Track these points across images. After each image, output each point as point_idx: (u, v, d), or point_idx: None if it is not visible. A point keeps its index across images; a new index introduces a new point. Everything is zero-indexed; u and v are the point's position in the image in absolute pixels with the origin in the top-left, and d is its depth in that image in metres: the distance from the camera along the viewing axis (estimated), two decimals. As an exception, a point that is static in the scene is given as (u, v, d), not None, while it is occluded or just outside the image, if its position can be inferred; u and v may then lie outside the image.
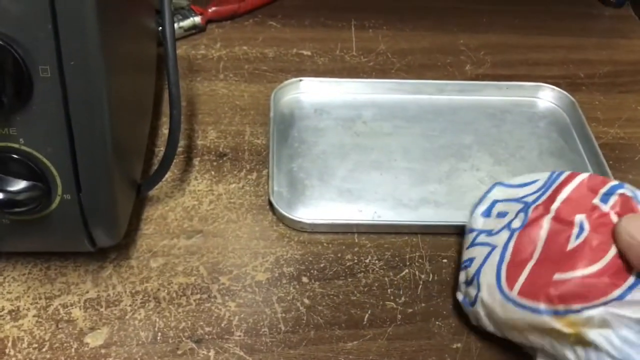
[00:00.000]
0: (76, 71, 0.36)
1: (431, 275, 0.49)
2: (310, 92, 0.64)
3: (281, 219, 0.52)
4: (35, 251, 0.47)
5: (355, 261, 0.50)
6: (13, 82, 0.35)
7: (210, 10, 0.70)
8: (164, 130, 0.58)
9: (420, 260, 0.50)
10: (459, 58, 0.70)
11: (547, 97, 0.65)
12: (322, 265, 0.49)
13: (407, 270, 0.49)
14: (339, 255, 0.50)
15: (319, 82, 0.64)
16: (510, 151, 0.59)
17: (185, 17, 0.68)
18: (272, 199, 0.52)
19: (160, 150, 0.57)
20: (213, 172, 0.55)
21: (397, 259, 0.50)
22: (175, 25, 0.67)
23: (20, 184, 0.38)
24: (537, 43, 0.73)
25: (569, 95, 0.64)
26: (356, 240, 0.51)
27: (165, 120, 0.59)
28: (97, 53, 0.36)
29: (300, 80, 0.63)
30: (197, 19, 0.69)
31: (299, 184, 0.55)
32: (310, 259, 0.50)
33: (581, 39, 0.75)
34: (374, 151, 0.58)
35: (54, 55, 0.35)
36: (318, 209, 0.53)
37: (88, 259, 0.48)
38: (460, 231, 0.50)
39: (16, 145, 0.38)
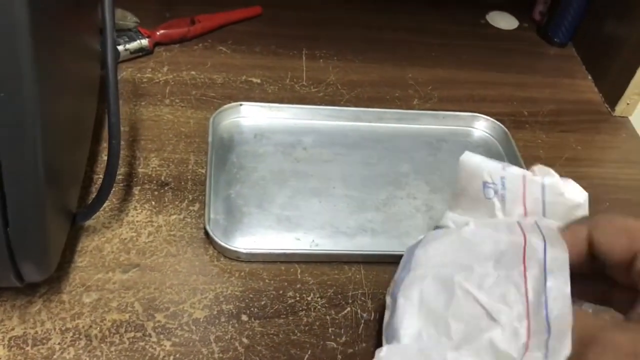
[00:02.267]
0: (5, 104, 0.34)
1: (373, 314, 0.49)
2: (250, 116, 0.63)
3: (217, 248, 0.51)
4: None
5: (297, 298, 0.49)
6: None
7: (158, 33, 0.69)
8: (104, 157, 0.56)
9: (362, 298, 0.50)
10: (407, 92, 0.71)
11: (481, 127, 0.67)
12: (262, 302, 0.48)
13: (349, 309, 0.49)
14: (281, 292, 0.49)
15: (259, 106, 0.63)
16: (445, 179, 0.60)
17: (132, 40, 0.66)
18: (207, 227, 0.50)
19: (99, 177, 0.55)
20: (153, 202, 0.54)
21: (339, 296, 0.49)
22: (122, 47, 0.66)
23: (-58, 218, 0.36)
24: (484, 79, 0.75)
25: (501, 125, 0.66)
26: (299, 277, 0.50)
27: (105, 146, 0.57)
28: (30, 79, 0.34)
29: (241, 105, 0.63)
30: (145, 42, 0.67)
31: (236, 211, 0.54)
32: (251, 295, 0.48)
33: (526, 76, 0.77)
34: (313, 178, 0.58)
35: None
36: (256, 237, 0.52)
37: (15, 293, 0.45)
38: (397, 260, 0.51)
39: (-62, 178, 0.36)
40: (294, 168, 0.59)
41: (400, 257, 0.52)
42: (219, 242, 0.50)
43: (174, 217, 0.53)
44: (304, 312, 0.48)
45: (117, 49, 0.44)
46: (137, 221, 0.52)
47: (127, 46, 0.66)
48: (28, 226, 0.39)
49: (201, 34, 0.72)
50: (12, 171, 0.36)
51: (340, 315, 0.48)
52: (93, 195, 0.53)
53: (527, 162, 0.64)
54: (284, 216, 0.54)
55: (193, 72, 0.68)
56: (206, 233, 0.51)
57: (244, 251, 0.50)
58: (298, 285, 0.50)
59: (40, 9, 0.34)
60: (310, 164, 0.60)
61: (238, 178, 0.57)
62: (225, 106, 0.62)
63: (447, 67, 0.75)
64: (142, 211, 0.53)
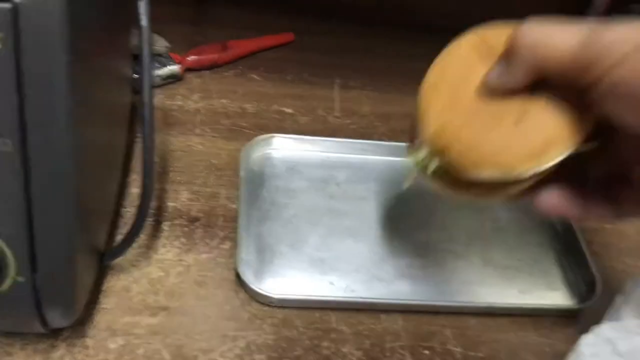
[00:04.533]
0: (41, 147, 0.32)
1: (412, 369, 0.46)
2: (282, 149, 0.61)
3: (249, 292, 0.48)
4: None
5: (333, 350, 0.46)
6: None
7: (189, 59, 0.67)
8: (133, 189, 0.54)
9: (400, 352, 0.47)
10: (444, 126, 0.68)
11: None
12: (296, 353, 0.46)
13: (386, 363, 0.46)
14: (315, 342, 0.46)
15: (292, 139, 0.61)
16: (488, 223, 0.57)
17: (163, 65, 0.65)
18: (239, 269, 0.48)
19: (128, 210, 0.53)
20: (183, 239, 0.52)
21: (376, 348, 0.47)
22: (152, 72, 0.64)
23: (-33, 265, 0.34)
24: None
25: None
26: (334, 326, 0.48)
27: (135, 178, 0.55)
28: (67, 125, 0.33)
29: (273, 137, 0.61)
30: (176, 68, 0.65)
31: (268, 250, 0.52)
32: (284, 345, 0.46)
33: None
34: (348, 216, 0.56)
35: (16, 127, 0.32)
36: (287, 279, 0.50)
37: (38, 336, 0.43)
38: (438, 310, 0.49)
39: (-34, 222, 0.34)
40: (327, 205, 0.57)
41: (442, 307, 0.49)
42: (251, 286, 0.47)
43: (204, 255, 0.51)
44: (339, 364, 0.45)
45: (151, 85, 0.42)
46: (166, 260, 0.50)
47: (158, 72, 0.64)
48: (57, 271, 0.37)
49: (233, 60, 0.70)
50: (43, 212, 0.34)
51: (378, 369, 0.46)
52: (121, 230, 0.51)
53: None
54: (317, 257, 0.52)
55: (224, 100, 0.66)
56: (237, 275, 0.49)
57: (276, 297, 0.48)
58: (333, 335, 0.47)
59: (78, 38, 0.32)
60: (345, 201, 0.57)
61: (270, 215, 0.55)
62: (257, 138, 0.60)
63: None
64: (171, 249, 0.51)
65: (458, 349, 0.48)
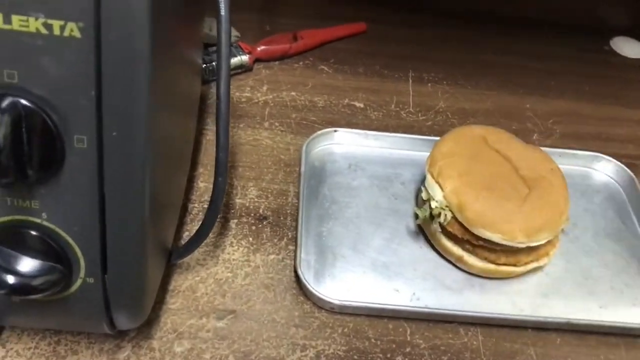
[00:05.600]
0: (117, 143, 0.31)
1: (492, 390, 0.43)
2: (345, 144, 0.58)
3: (309, 296, 0.46)
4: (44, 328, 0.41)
5: (407, 364, 0.43)
6: (41, 151, 0.30)
7: (259, 49, 0.65)
8: (200, 183, 0.53)
9: (480, 370, 0.44)
10: (525, 125, 0.64)
11: (603, 170, 0.59)
12: (369, 366, 0.43)
13: (465, 381, 0.43)
14: (389, 355, 0.44)
15: (355, 133, 0.58)
16: (563, 229, 0.52)
17: (233, 55, 0.63)
18: (299, 270, 0.46)
19: (194, 206, 0.51)
20: (251, 239, 0.49)
21: (454, 365, 0.44)
22: (221, 62, 0.62)
23: (38, 266, 0.32)
24: (611, 115, 0.67)
25: (627, 169, 0.58)
26: (408, 339, 0.45)
27: (202, 171, 0.54)
28: (144, 121, 0.31)
29: (335, 131, 0.58)
30: (245, 58, 0.63)
31: (329, 252, 0.49)
32: (356, 357, 0.43)
33: (658, 112, 0.68)
34: (413, 219, 0.52)
35: (93, 124, 0.30)
36: (348, 284, 0.47)
37: (104, 335, 0.42)
38: (518, 325, 0.46)
39: (37, 221, 0.32)
40: (391, 205, 0.53)
41: (523, 322, 0.46)
42: (312, 290, 0.45)
43: (272, 257, 0.48)
44: (414, 381, 0.43)
45: (229, 79, 0.40)
46: (233, 259, 0.48)
47: (227, 62, 0.62)
48: (127, 273, 0.35)
49: (303, 51, 0.68)
50: (115, 211, 0.32)
51: (455, 388, 0.43)
52: (187, 226, 0.49)
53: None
54: (381, 262, 0.49)
55: (293, 93, 0.63)
56: (297, 277, 0.46)
57: (337, 302, 0.45)
58: (408, 349, 0.44)
59: (158, 29, 0.30)
60: (409, 201, 0.54)
61: (330, 214, 0.52)
62: (319, 132, 0.57)
63: (569, 98, 0.68)
64: (238, 248, 0.49)
65: (542, 370, 0.44)
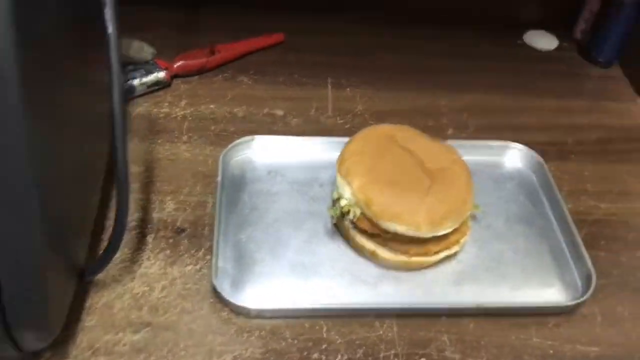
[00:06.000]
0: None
1: (407, 378, 0.44)
2: (264, 151, 0.59)
3: (226, 304, 0.46)
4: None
5: (323, 361, 0.44)
6: None
7: (176, 65, 0.65)
8: (117, 201, 0.53)
9: (395, 360, 0.45)
10: (440, 121, 0.66)
11: (514, 157, 0.61)
12: (286, 368, 0.44)
13: (380, 372, 0.44)
14: (305, 354, 0.45)
15: (273, 140, 0.59)
16: (476, 217, 0.55)
17: (149, 73, 0.63)
18: (214, 280, 0.46)
19: (112, 223, 0.51)
20: (168, 252, 0.50)
21: (369, 358, 0.45)
22: (137, 81, 0.62)
23: None
24: (523, 105, 0.69)
25: (536, 155, 0.60)
26: (324, 335, 0.46)
27: (119, 189, 0.54)
28: (20, 132, 0.31)
29: (253, 139, 0.58)
30: (162, 74, 0.64)
31: (247, 258, 0.50)
32: (272, 358, 0.44)
33: (569, 101, 0.71)
34: (330, 219, 0.53)
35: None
36: (267, 287, 0.48)
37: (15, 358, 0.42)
38: (431, 313, 0.47)
39: None
40: (310, 208, 0.54)
41: (436, 310, 0.47)
42: (228, 299, 0.46)
43: (189, 267, 0.49)
44: (331, 376, 0.44)
45: (124, 92, 0.41)
46: (150, 273, 0.48)
47: (143, 80, 0.63)
48: (25, 290, 0.35)
49: (221, 64, 0.69)
50: (4, 226, 0.33)
51: (371, 379, 0.44)
52: (104, 243, 0.50)
53: (573, 196, 0.59)
54: (299, 263, 0.50)
55: (212, 106, 0.64)
56: (213, 287, 0.47)
57: (254, 308, 0.46)
58: (324, 346, 0.45)
59: (32, 51, 0.31)
60: (327, 203, 0.54)
61: (250, 220, 0.53)
62: (237, 141, 0.58)
63: (484, 92, 0.70)
64: (155, 262, 0.49)
65: (457, 356, 0.45)
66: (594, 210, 0.58)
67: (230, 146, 0.57)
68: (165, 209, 0.53)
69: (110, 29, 0.40)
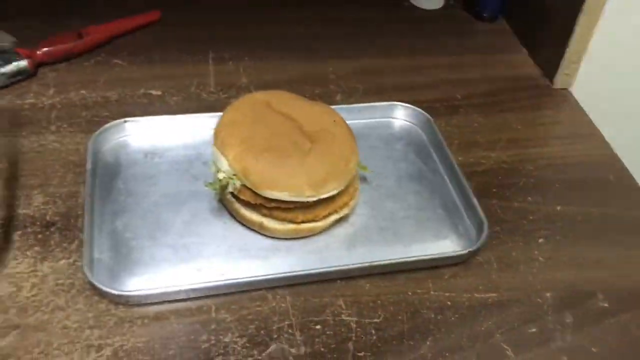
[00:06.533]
0: None
1: (303, 348, 0.42)
2: (138, 134, 0.55)
3: (101, 293, 0.43)
4: None
5: (213, 342, 0.42)
6: None
7: (39, 52, 0.61)
8: (-23, 200, 0.48)
9: (289, 331, 0.43)
10: (328, 87, 0.64)
11: (402, 116, 0.60)
12: (171, 352, 0.41)
13: (274, 346, 0.42)
14: (192, 337, 0.42)
15: (147, 121, 0.55)
16: (367, 179, 0.53)
17: (8, 62, 0.58)
18: (85, 270, 0.43)
19: (-28, 225, 0.47)
20: (37, 248, 0.46)
21: (262, 332, 0.42)
22: (-4, 71, 0.57)
23: None
24: (412, 65, 0.69)
25: (423, 112, 0.59)
26: (213, 315, 0.43)
27: (-21, 188, 0.49)
28: None
29: (125, 122, 0.54)
30: (23, 63, 0.59)
31: (123, 246, 0.46)
32: (157, 346, 0.41)
33: (457, 57, 0.71)
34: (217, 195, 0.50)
35: None
36: (148, 274, 0.45)
37: None
38: (322, 278, 0.45)
39: None
40: (192, 187, 0.51)
41: (328, 273, 0.45)
42: (102, 287, 0.42)
43: (62, 262, 0.45)
44: (221, 357, 0.41)
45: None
46: (17, 273, 0.44)
47: (3, 70, 0.58)
48: None
49: (91, 48, 0.64)
50: None
51: (264, 354, 0.41)
52: (-38, 248, 0.45)
53: (464, 149, 0.58)
54: (181, 245, 0.47)
55: (83, 92, 0.60)
56: (88, 279, 0.43)
57: (133, 294, 0.42)
58: (213, 326, 0.42)
59: None
60: (211, 180, 0.51)
61: (125, 207, 0.49)
62: (107, 125, 0.54)
63: (371, 56, 0.69)
64: (23, 260, 0.45)
65: (353, 318, 0.44)
66: (485, 160, 0.58)
67: (98, 131, 0.53)
68: (32, 203, 0.49)
69: None
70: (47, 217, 0.48)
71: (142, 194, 0.50)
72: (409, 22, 0.76)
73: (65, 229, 0.47)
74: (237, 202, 0.47)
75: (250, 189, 0.46)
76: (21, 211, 0.48)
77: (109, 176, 0.51)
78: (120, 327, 0.42)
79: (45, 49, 0.61)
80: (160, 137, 0.55)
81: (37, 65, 0.61)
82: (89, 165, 0.50)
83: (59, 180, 0.51)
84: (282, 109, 0.49)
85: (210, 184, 0.47)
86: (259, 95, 0.51)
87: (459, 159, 0.56)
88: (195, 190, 0.51)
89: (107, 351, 0.40)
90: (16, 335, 0.41)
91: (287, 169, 0.45)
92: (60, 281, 0.44)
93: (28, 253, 0.45)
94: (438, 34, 0.75)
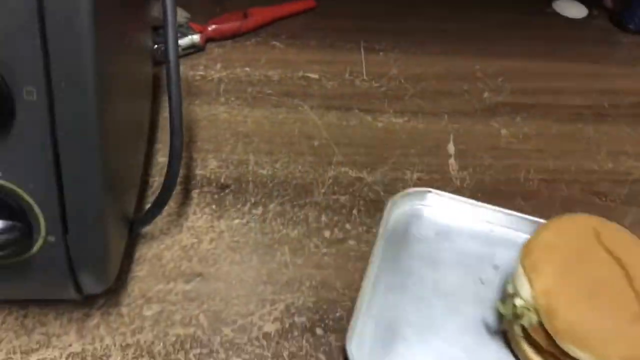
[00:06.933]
0: (67, 94, 0.31)
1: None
2: (436, 208, 0.51)
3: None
4: (10, 299, 0.41)
5: (375, 310, 0.44)
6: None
7: (210, 29, 0.65)
8: (159, 158, 0.53)
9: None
10: (475, 85, 0.66)
11: None
12: (338, 314, 0.44)
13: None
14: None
15: (449, 198, 0.51)
16: None
17: (184, 35, 0.63)
18: (347, 344, 0.40)
19: (155, 180, 0.51)
20: (214, 206, 0.50)
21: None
22: (173, 43, 0.62)
23: (-4, 225, 0.32)
24: (557, 70, 0.69)
25: None
26: (375, 286, 0.46)
27: (160, 147, 0.54)
28: (91, 73, 0.31)
29: (428, 192, 0.51)
30: (196, 38, 0.64)
31: (389, 329, 0.43)
32: (325, 306, 0.44)
33: (601, 66, 0.71)
34: (495, 312, 0.44)
35: (41, 75, 0.30)
36: None
37: (72, 306, 0.42)
38: None
39: (-8, 179, 0.32)
40: (475, 290, 0.46)
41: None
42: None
43: (236, 221, 0.49)
44: (383, 325, 0.43)
45: (178, 44, 0.40)
46: (197, 227, 0.48)
47: (179, 42, 0.63)
48: (87, 233, 0.35)
49: (254, 28, 0.68)
50: (71, 169, 0.33)
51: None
52: (149, 199, 0.50)
53: (613, 157, 0.59)
54: (446, 355, 0.42)
55: (247, 69, 0.64)
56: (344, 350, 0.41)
57: None
58: (375, 295, 0.45)
59: (101, 12, 0.31)
60: (498, 290, 0.46)
61: (402, 285, 0.45)
62: (407, 190, 0.51)
63: (515, 58, 0.70)
64: (202, 216, 0.49)
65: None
66: (635, 170, 0.58)
67: (400, 195, 0.50)
68: (208, 166, 0.53)
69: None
70: (222, 180, 0.52)
71: (422, 278, 0.46)
72: (552, 29, 0.77)
73: (238, 192, 0.51)
74: (524, 338, 0.41)
75: (546, 331, 0.39)
76: (198, 172, 0.52)
77: (395, 244, 0.48)
78: (291, 286, 0.45)
79: (214, 26, 0.66)
80: (456, 219, 0.51)
81: (206, 41, 0.66)
82: (382, 228, 0.47)
83: (230, 148, 0.55)
84: (612, 246, 0.41)
85: (503, 305, 0.42)
86: (588, 220, 0.44)
87: (609, 165, 0.57)
88: (478, 295, 0.45)
89: (280, 305, 0.44)
90: (199, 282, 0.45)
91: (603, 330, 0.37)
92: (235, 239, 0.48)
93: (206, 210, 0.50)
94: (582, 42, 0.75)
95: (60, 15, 0.29)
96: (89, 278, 0.37)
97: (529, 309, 0.39)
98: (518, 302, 0.40)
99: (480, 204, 0.50)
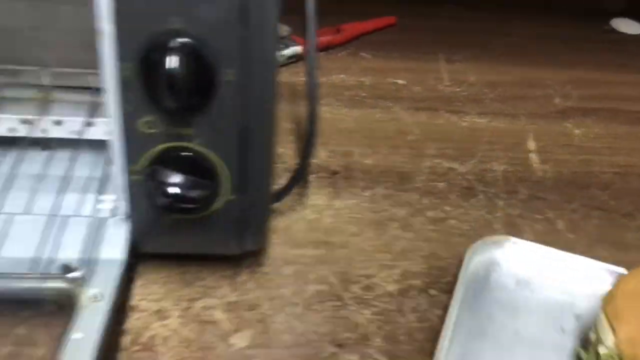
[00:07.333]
0: (258, 75, 0.38)
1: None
2: (515, 256, 0.51)
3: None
4: (179, 252, 0.48)
5: (480, 275, 0.51)
6: (200, 82, 0.37)
7: (308, 41, 0.73)
8: (279, 149, 0.60)
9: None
10: (547, 91, 0.73)
11: None
12: (448, 279, 0.50)
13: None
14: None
15: (528, 246, 0.51)
16: None
17: (287, 46, 0.71)
18: None
19: (277, 166, 0.58)
20: (330, 189, 0.57)
21: (519, 274, 0.51)
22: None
23: (193, 182, 0.40)
24: (622, 79, 0.76)
25: None
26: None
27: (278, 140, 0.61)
28: (273, 60, 0.39)
29: (507, 240, 0.52)
30: (298, 49, 0.72)
31: None
32: (435, 272, 0.51)
33: (660, 77, 0.78)
34: None
35: (239, 59, 0.38)
36: None
37: (223, 265, 0.49)
38: None
39: (192, 145, 0.40)
40: (555, 340, 0.46)
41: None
42: None
43: (350, 201, 0.56)
44: (488, 287, 0.50)
45: (316, 53, 0.49)
46: (318, 204, 0.55)
47: (283, 52, 0.71)
48: (260, 196, 0.43)
49: (344, 42, 0.76)
50: (255, 137, 0.40)
51: (523, 291, 0.50)
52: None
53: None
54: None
55: (342, 76, 0.72)
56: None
57: None
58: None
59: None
60: (580, 340, 0.46)
61: (481, 331, 0.45)
62: (486, 239, 0.51)
63: (580, 69, 0.77)
64: (320, 196, 0.56)
65: None
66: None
67: (478, 243, 0.51)
68: (320, 156, 0.61)
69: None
70: (332, 167, 0.59)
71: (502, 325, 0.46)
72: (612, 43, 0.84)
73: (348, 177, 0.58)
74: None
75: None
76: (312, 161, 0.60)
77: (476, 290, 0.49)
78: (406, 255, 0.52)
79: (311, 39, 0.74)
80: (537, 267, 0.51)
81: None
82: (461, 276, 0.48)
83: (335, 141, 0.62)
84: None
85: (587, 354, 0.42)
86: None
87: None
88: (560, 346, 0.45)
89: (397, 270, 0.50)
90: (326, 249, 0.51)
91: None
92: (351, 215, 0.55)
93: (322, 192, 0.57)
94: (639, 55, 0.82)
95: (256, 12, 0.37)
96: (253, 236, 0.45)
97: (613, 357, 0.40)
98: (602, 350, 0.40)
99: (559, 252, 0.51)
